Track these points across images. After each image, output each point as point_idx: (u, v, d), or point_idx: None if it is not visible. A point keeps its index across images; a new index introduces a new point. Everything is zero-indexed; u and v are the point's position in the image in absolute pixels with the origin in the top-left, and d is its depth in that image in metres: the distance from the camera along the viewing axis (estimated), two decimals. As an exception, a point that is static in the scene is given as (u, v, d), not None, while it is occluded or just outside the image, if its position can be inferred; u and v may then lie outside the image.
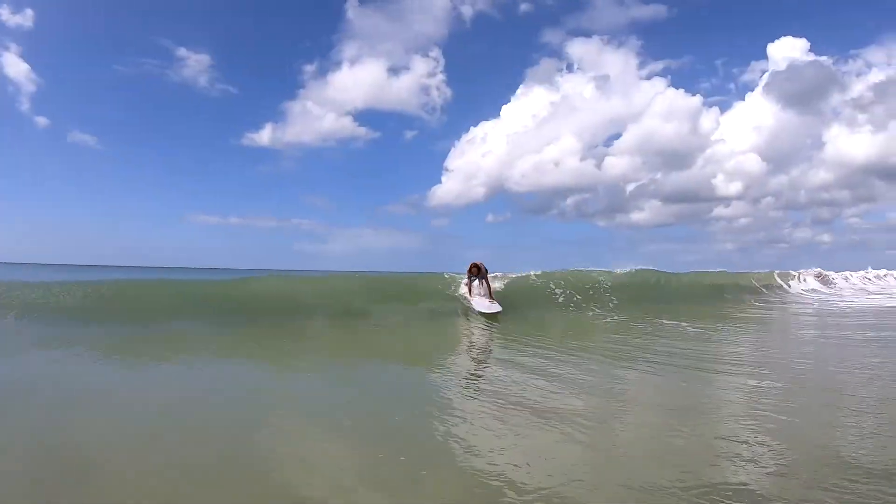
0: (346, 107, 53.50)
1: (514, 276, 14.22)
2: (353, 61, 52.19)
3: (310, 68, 54.08)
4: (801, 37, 50.50)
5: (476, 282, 12.17)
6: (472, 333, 9.32)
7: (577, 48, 54.34)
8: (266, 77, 53.33)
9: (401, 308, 10.80)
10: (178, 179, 53.73)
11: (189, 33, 51.44)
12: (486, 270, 12.40)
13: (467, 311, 11.55)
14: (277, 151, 51.73)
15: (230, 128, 55.18)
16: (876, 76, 54.44)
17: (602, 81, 52.88)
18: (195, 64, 47.85)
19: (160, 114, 52.84)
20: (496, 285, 12.91)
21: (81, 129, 49.18)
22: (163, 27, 51.80)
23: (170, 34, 48.90)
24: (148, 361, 6.31)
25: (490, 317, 11.04)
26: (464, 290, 12.32)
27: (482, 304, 11.61)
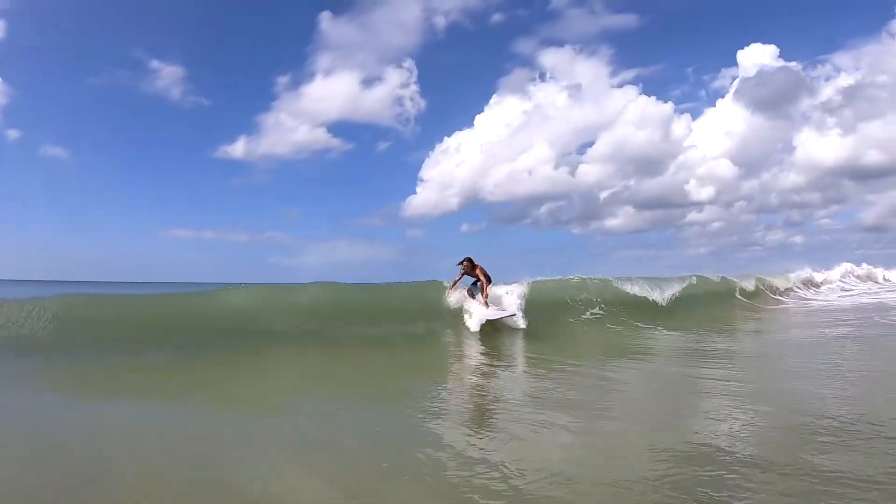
0: (319, 118, 52.88)
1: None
2: (327, 73, 51.49)
3: (283, 80, 53.26)
4: (770, 43, 51.41)
5: (470, 285, 10.40)
6: (473, 355, 8.46)
7: (550, 57, 54.46)
8: (239, 89, 52.28)
9: (390, 323, 9.51)
10: (151, 193, 52.47)
11: (162, 45, 50.13)
12: (488, 276, 10.27)
13: (457, 324, 9.90)
14: (251, 164, 50.75)
15: (204, 140, 53.86)
16: (844, 80, 55.64)
17: (574, 90, 53.08)
18: (168, 76, 46.69)
19: (133, 126, 51.51)
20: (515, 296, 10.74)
21: (53, 142, 47.70)
22: (135, 38, 50.31)
23: (143, 45, 47.73)
24: (84, 396, 5.32)
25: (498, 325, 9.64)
26: (454, 298, 10.33)
27: (487, 310, 9.85)
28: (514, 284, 11.40)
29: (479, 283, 10.33)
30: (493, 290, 10.64)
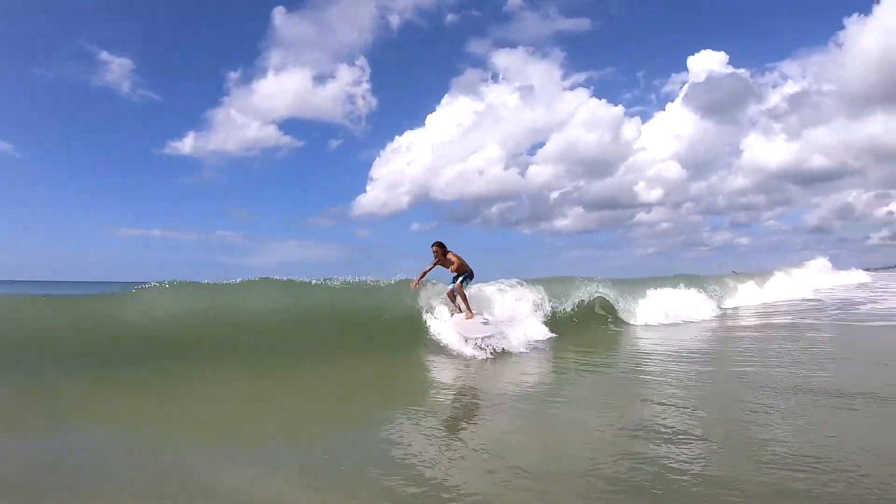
0: (270, 115, 51.98)
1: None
2: (279, 69, 50.85)
3: (234, 75, 52.41)
4: (720, 50, 52.08)
5: (450, 288, 8.11)
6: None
7: (502, 59, 54.85)
8: (189, 83, 51.52)
9: (348, 329, 7.76)
10: (98, 190, 50.99)
11: (112, 37, 49.19)
12: (467, 268, 8.14)
13: (433, 339, 7.69)
14: (200, 161, 49.51)
15: (152, 136, 52.85)
16: (791, 88, 56.31)
17: (526, 92, 53.21)
18: (117, 69, 45.61)
19: (81, 120, 50.09)
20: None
21: (-2, 136, 45.38)
22: (85, 30, 49.10)
23: (92, 37, 46.67)
24: None
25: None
26: (453, 306, 8.09)
27: (470, 325, 7.64)
28: (522, 286, 9.49)
29: (460, 288, 8.06)
30: (493, 294, 8.68)
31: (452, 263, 8.17)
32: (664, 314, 11.97)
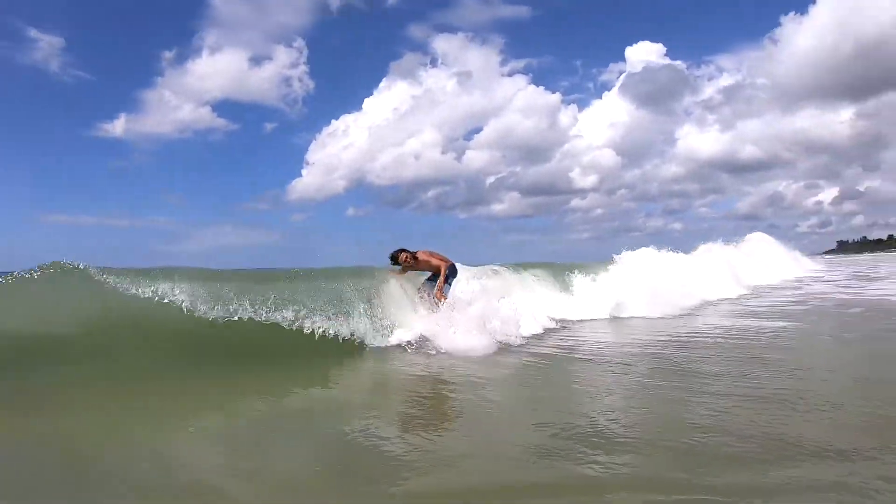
0: (204, 97, 49.64)
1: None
2: (214, 49, 48.45)
3: (168, 55, 49.47)
4: (658, 42, 54.16)
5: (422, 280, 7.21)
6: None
7: (442, 44, 54.80)
8: (122, 63, 48.23)
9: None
10: (25, 174, 47.01)
11: (41, 13, 45.11)
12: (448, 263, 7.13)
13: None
14: (131, 144, 46.86)
15: (83, 118, 49.28)
16: (726, 80, 59.76)
17: (465, 77, 53.46)
18: (47, 47, 42.14)
19: (5, 100, 45.87)
20: None
21: (-82, 116, 40.84)
22: (13, 5, 44.73)
23: (20, 13, 42.67)
24: None
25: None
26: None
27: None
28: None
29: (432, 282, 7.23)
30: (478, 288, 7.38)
31: (430, 263, 7.23)
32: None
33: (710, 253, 18.54)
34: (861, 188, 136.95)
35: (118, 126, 44.76)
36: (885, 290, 14.61)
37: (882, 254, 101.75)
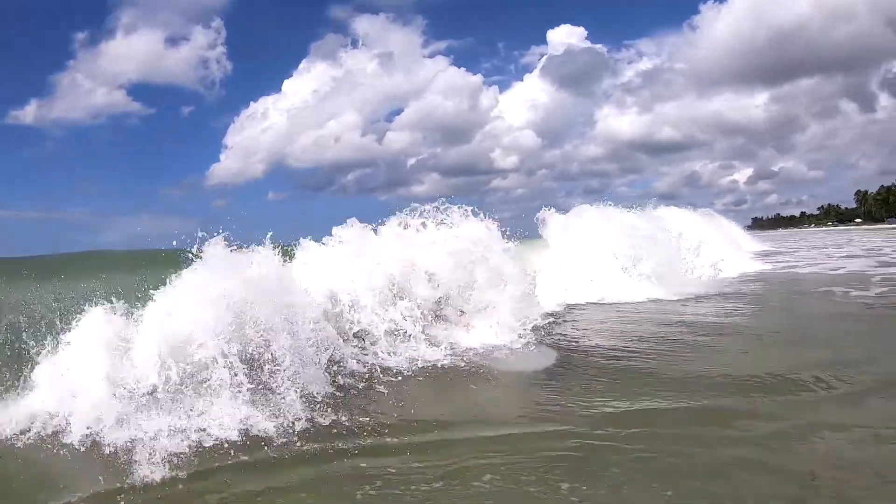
0: (119, 80, 46.09)
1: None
2: (129, 30, 45.03)
3: (80, 37, 45.56)
4: (579, 25, 55.88)
5: None
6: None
7: (363, 24, 53.98)
8: (31, 45, 43.27)
9: None
10: None
11: None
12: None
13: None
14: (43, 131, 42.71)
15: None
16: (645, 65, 63.28)
17: (386, 58, 52.98)
18: None
19: None
20: None
21: None
22: None
23: None
24: None
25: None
26: None
27: None
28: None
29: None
30: None
31: None
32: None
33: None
34: (775, 168, 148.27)
35: (29, 113, 40.33)
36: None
37: (795, 229, 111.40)
